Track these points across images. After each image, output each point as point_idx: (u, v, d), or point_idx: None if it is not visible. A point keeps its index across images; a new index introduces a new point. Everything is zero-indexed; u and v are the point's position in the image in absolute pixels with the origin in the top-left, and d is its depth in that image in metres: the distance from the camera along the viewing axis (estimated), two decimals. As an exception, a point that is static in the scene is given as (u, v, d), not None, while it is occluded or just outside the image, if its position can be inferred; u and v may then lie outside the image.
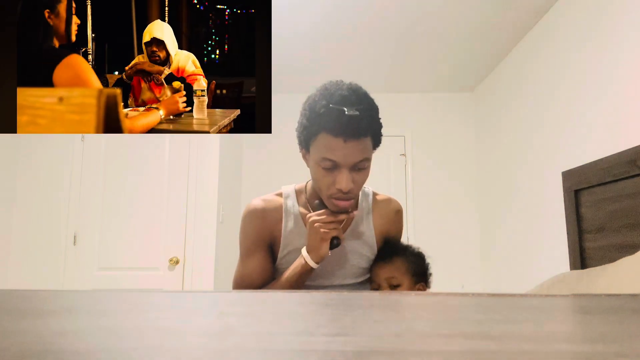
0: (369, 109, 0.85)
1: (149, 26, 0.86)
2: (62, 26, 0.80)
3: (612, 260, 1.22)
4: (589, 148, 1.89)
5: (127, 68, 0.87)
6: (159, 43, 0.86)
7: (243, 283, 1.01)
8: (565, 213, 1.93)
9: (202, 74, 0.89)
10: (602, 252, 1.68)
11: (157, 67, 0.86)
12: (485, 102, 3.22)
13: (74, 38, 0.82)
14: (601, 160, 1.70)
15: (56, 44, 0.80)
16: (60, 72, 0.75)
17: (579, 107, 1.99)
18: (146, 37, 0.87)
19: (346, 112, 0.81)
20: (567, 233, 1.91)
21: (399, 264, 0.98)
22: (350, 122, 0.82)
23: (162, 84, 0.87)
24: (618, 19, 1.74)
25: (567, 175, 1.93)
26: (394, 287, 0.97)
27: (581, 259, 1.80)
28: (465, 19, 2.39)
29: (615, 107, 1.75)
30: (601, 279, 1.10)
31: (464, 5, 2.25)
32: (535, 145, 2.42)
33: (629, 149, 1.55)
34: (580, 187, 1.81)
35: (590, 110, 1.91)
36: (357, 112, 0.82)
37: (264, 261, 1.00)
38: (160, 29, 0.86)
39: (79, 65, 0.77)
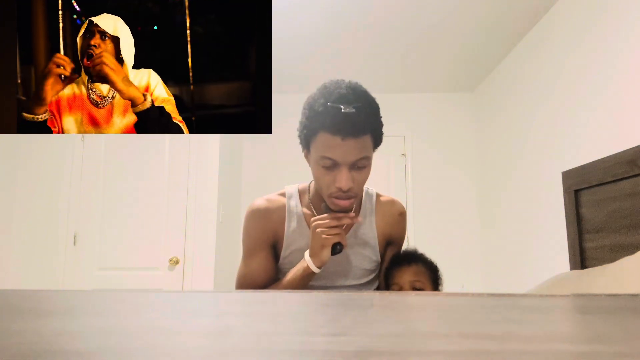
0: (366, 107, 0.84)
1: None
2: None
3: (612, 260, 1.22)
4: (589, 148, 1.89)
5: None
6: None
7: (245, 282, 1.01)
8: (565, 213, 1.92)
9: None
10: (602, 252, 1.68)
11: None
12: (485, 102, 3.22)
13: None
14: (601, 160, 1.70)
15: None
16: None
17: (579, 107, 1.99)
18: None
19: (342, 110, 0.81)
20: (567, 233, 1.90)
21: (422, 269, 1.00)
22: (346, 120, 0.81)
23: None
24: (618, 19, 1.74)
25: (567, 175, 1.93)
26: (417, 290, 0.98)
27: (581, 259, 1.79)
28: (465, 19, 2.39)
29: (615, 107, 1.75)
30: (601, 279, 1.10)
31: (464, 5, 2.25)
32: (535, 145, 2.42)
33: (629, 149, 1.55)
34: (580, 187, 1.81)
35: (590, 110, 1.91)
36: (354, 110, 0.81)
37: (265, 261, 1.00)
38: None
39: None
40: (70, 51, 0.74)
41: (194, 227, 2.54)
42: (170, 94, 0.78)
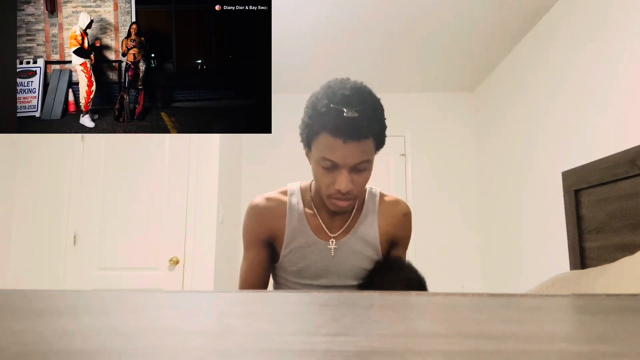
0: (370, 110, 0.83)
1: None
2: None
3: (612, 260, 1.22)
4: (588, 148, 1.89)
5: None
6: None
7: (241, 278, 1.03)
8: (565, 213, 1.92)
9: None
10: (602, 252, 1.67)
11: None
12: (485, 102, 3.22)
13: None
14: (601, 160, 1.70)
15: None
16: None
17: (579, 107, 1.99)
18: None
19: (345, 114, 0.80)
20: (567, 233, 1.90)
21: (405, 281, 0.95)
22: (349, 124, 0.80)
23: None
24: (618, 19, 1.74)
25: (567, 175, 1.93)
26: None
27: (581, 259, 1.79)
28: (465, 19, 2.39)
29: (615, 107, 1.75)
30: (601, 279, 1.10)
31: (463, 5, 2.25)
32: (535, 145, 2.42)
33: (629, 149, 1.55)
34: (580, 187, 1.81)
35: (590, 110, 1.91)
36: (356, 114, 0.80)
37: (257, 259, 1.01)
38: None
39: None
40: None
41: (194, 227, 2.54)
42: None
